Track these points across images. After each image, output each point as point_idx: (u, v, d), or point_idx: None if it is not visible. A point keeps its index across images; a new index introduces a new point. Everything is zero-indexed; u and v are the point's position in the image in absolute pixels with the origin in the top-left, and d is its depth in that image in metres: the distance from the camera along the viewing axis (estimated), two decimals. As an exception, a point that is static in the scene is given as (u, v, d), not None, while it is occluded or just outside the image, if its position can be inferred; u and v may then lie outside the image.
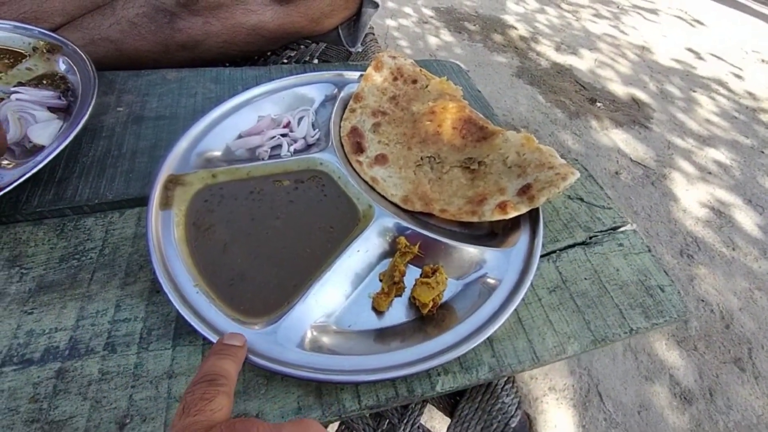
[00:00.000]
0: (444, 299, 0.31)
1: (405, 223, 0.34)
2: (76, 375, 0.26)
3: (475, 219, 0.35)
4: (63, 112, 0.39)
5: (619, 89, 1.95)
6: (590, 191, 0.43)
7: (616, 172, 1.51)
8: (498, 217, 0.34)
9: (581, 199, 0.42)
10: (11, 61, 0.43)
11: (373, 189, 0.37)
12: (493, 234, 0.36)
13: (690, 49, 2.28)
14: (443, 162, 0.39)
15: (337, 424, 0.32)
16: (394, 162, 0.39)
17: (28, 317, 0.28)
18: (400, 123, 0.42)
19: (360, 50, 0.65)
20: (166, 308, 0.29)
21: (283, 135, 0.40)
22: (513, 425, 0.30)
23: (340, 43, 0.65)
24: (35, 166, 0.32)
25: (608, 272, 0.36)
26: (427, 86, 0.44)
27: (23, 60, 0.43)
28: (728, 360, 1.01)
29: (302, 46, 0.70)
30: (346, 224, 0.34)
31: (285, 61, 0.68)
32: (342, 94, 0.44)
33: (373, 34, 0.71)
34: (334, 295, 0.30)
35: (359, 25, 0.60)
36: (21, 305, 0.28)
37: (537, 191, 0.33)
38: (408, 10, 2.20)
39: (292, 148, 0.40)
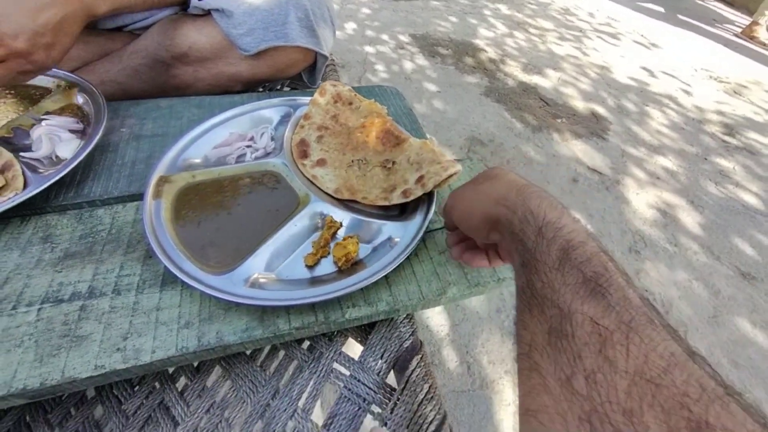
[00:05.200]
0: (359, 258, 0.43)
1: (334, 207, 0.46)
2: (94, 308, 0.37)
3: (386, 203, 0.47)
4: (80, 133, 0.52)
5: (580, 105, 2.12)
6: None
7: (574, 179, 1.65)
8: (402, 200, 0.46)
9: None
10: (40, 95, 0.55)
11: (314, 183, 0.50)
12: (402, 213, 0.49)
13: (645, 68, 2.48)
14: (368, 163, 0.52)
15: (281, 355, 0.43)
16: (331, 164, 0.52)
17: (59, 274, 0.39)
18: (338, 135, 0.55)
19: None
20: (156, 267, 0.41)
21: (248, 146, 0.53)
22: (406, 346, 0.41)
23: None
24: (58, 174, 0.44)
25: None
26: (359, 107, 0.57)
27: (49, 95, 0.56)
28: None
29: (275, 77, 0.84)
30: (289, 207, 0.46)
31: (261, 89, 0.82)
32: (295, 114, 0.57)
33: (334, 66, 0.85)
34: (276, 255, 0.42)
35: (315, 70, 0.75)
36: (53, 267, 0.40)
37: (427, 180, 0.46)
38: (385, 36, 2.39)
39: (253, 156, 0.52)
